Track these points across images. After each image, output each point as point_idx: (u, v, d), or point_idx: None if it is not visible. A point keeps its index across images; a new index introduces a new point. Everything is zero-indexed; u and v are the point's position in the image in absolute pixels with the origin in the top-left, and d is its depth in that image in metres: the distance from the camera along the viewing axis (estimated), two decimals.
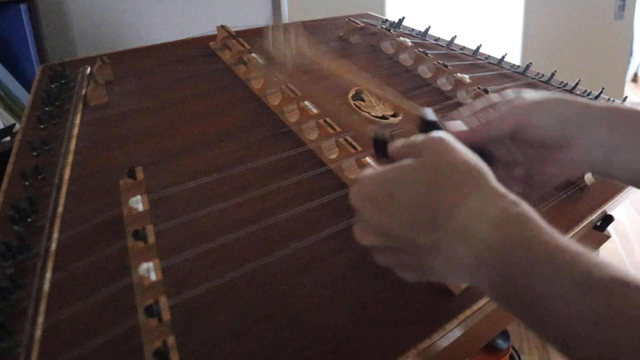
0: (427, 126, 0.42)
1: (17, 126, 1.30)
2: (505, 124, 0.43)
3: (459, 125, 0.44)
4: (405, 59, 0.86)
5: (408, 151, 0.38)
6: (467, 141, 0.41)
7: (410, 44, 0.86)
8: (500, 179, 0.39)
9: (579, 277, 0.30)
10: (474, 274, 0.34)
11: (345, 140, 0.58)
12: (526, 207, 0.34)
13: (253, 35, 0.81)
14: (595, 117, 0.43)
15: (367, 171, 0.38)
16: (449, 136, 0.37)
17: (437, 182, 0.35)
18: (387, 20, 1.01)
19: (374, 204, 0.36)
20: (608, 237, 0.65)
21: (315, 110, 0.62)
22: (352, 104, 0.71)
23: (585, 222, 0.61)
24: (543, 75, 0.96)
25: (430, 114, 0.43)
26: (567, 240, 0.32)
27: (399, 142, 0.40)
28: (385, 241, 0.37)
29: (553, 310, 0.30)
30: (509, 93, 0.46)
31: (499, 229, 0.32)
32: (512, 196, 0.34)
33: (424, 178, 0.35)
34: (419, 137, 0.38)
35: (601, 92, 0.95)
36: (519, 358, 1.12)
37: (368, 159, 0.56)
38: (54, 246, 0.44)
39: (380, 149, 0.42)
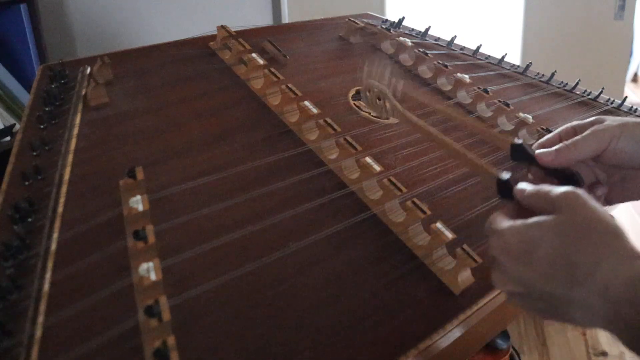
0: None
1: (17, 126, 1.29)
2: (588, 148, 0.46)
3: (547, 151, 0.48)
4: (405, 59, 0.86)
5: (542, 203, 0.40)
6: (554, 164, 0.46)
7: (410, 44, 0.86)
8: None
9: None
10: (612, 325, 0.36)
11: (345, 140, 0.58)
12: None
13: (253, 35, 0.81)
14: None
15: (502, 222, 0.41)
16: (584, 192, 0.39)
17: (576, 240, 0.37)
18: (387, 20, 1.01)
19: (514, 257, 0.39)
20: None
21: (315, 110, 0.62)
22: (352, 104, 0.71)
23: None
24: (543, 75, 0.96)
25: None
26: None
27: (529, 190, 0.42)
28: (522, 290, 0.39)
29: None
30: (591, 118, 0.49)
31: (638, 288, 0.34)
32: None
33: (562, 236, 0.37)
34: (554, 191, 0.40)
35: (601, 92, 0.95)
36: (519, 358, 1.11)
37: (368, 160, 0.56)
38: (54, 246, 0.44)
39: (504, 191, 0.45)
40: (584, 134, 0.47)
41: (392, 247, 0.52)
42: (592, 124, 0.48)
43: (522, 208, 0.42)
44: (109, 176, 0.52)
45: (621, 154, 0.46)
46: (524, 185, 0.43)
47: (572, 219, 0.38)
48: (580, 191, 0.39)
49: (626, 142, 0.46)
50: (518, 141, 0.49)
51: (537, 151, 0.48)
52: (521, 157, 0.50)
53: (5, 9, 1.35)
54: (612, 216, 0.38)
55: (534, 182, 0.49)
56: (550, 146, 0.49)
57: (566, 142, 0.47)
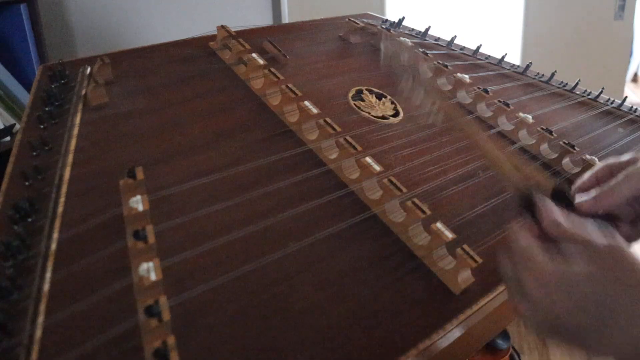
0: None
1: (17, 126, 1.30)
2: (626, 191, 0.46)
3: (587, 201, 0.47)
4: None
5: (581, 248, 0.39)
6: (592, 210, 0.46)
7: (410, 44, 0.86)
8: (625, 234, 0.47)
9: None
10: None
11: (345, 140, 0.58)
12: None
13: (253, 35, 0.81)
14: None
15: (541, 254, 0.39)
16: (626, 246, 0.39)
17: (619, 298, 0.37)
18: (387, 20, 1.01)
19: (549, 293, 0.38)
20: None
21: (315, 110, 0.62)
22: (352, 104, 0.71)
23: None
24: (543, 75, 0.96)
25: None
26: None
27: (566, 228, 0.41)
28: (544, 325, 0.39)
29: None
30: (627, 157, 0.49)
31: None
32: None
33: (607, 291, 0.37)
34: (599, 243, 0.39)
35: (601, 92, 0.95)
36: (519, 358, 1.12)
37: (368, 159, 0.56)
38: (54, 246, 0.44)
39: (527, 207, 0.43)
40: (619, 177, 0.47)
41: (392, 247, 0.52)
42: (627, 163, 0.48)
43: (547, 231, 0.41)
44: (109, 176, 0.52)
45: None
46: (558, 218, 0.41)
47: (615, 277, 0.37)
48: (625, 245, 0.39)
49: None
50: (561, 187, 0.47)
51: (577, 200, 0.47)
52: (561, 201, 0.47)
53: (5, 9, 1.35)
54: None
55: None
56: (588, 189, 0.48)
57: (603, 188, 0.47)
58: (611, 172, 0.49)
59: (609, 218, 0.48)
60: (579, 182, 0.51)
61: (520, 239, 0.41)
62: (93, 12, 1.69)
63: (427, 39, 0.97)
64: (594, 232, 0.40)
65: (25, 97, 1.37)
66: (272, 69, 0.69)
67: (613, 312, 0.36)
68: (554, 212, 0.42)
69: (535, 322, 0.40)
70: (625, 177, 0.46)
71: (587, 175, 0.50)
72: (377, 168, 0.55)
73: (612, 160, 0.50)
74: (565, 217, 0.41)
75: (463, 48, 0.98)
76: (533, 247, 0.40)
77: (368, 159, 0.56)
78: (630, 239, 0.48)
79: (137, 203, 0.44)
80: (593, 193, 0.47)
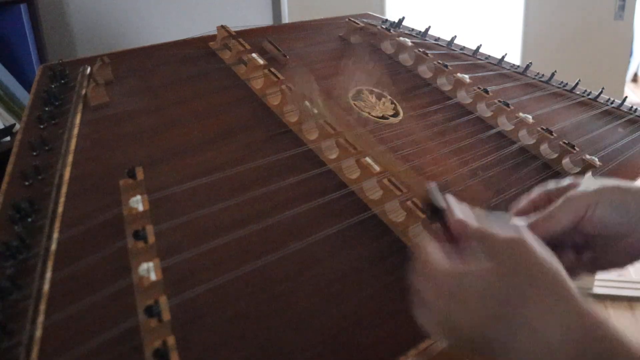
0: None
1: (17, 126, 1.30)
2: (564, 220, 0.43)
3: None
4: (405, 59, 0.86)
5: (482, 244, 0.37)
6: None
7: (410, 44, 0.86)
8: (568, 263, 0.42)
9: None
10: None
11: (346, 140, 0.58)
12: (610, 327, 0.33)
13: (253, 35, 0.81)
14: None
15: (441, 263, 0.37)
16: (530, 237, 0.36)
17: (518, 293, 0.34)
18: (387, 20, 1.01)
19: (447, 302, 0.36)
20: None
21: (315, 111, 0.62)
22: (352, 104, 0.71)
23: None
24: (543, 75, 0.96)
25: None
26: None
27: (469, 227, 0.38)
28: (450, 333, 0.37)
29: None
30: (565, 182, 0.46)
31: (581, 348, 0.33)
32: (597, 315, 0.34)
33: (504, 288, 0.34)
34: (499, 236, 0.36)
35: (601, 92, 0.95)
36: None
37: (368, 159, 0.56)
38: (54, 246, 0.44)
39: (435, 213, 0.40)
40: (558, 203, 0.43)
41: (392, 247, 0.52)
42: (566, 189, 0.44)
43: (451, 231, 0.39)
44: (109, 176, 0.52)
45: (599, 223, 0.42)
46: (463, 221, 0.39)
47: (515, 270, 0.35)
48: (527, 236, 0.36)
49: (604, 209, 0.42)
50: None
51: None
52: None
53: (5, 9, 1.35)
54: (557, 265, 0.36)
55: None
56: (524, 214, 0.45)
57: (540, 216, 0.43)
58: (549, 198, 0.45)
59: (550, 245, 0.42)
60: (515, 206, 0.47)
61: (422, 246, 0.38)
62: (93, 12, 1.68)
63: (427, 39, 0.97)
64: (498, 227, 0.37)
65: (25, 97, 1.37)
66: (272, 69, 0.69)
67: (514, 310, 0.34)
68: (459, 211, 0.39)
69: (441, 332, 0.37)
70: (563, 203, 0.43)
71: (524, 201, 0.47)
72: (377, 168, 0.55)
73: (550, 185, 0.46)
74: (472, 214, 0.39)
75: (463, 48, 0.98)
76: (433, 253, 0.37)
77: (368, 159, 0.56)
78: (576, 270, 0.44)
79: (137, 203, 0.44)
80: (531, 219, 0.43)
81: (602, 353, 0.32)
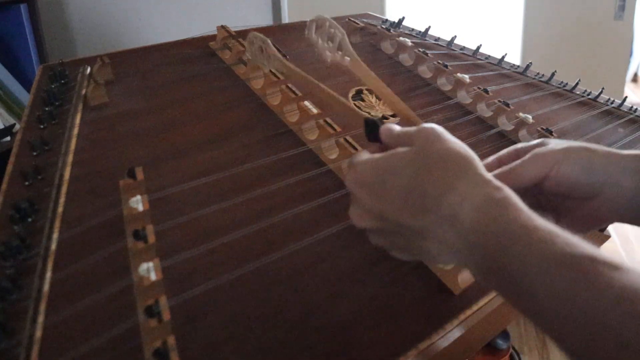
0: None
1: (17, 126, 1.30)
2: (527, 174, 0.42)
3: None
4: (405, 59, 0.86)
5: (402, 140, 0.40)
6: None
7: (410, 44, 0.86)
8: None
9: (551, 254, 0.31)
10: (462, 256, 0.36)
11: (345, 140, 0.58)
12: (509, 192, 0.35)
13: None
14: (621, 165, 0.42)
15: (361, 157, 0.40)
16: (440, 127, 0.38)
17: (427, 168, 0.36)
18: (387, 20, 1.01)
19: (368, 189, 0.38)
20: (608, 237, 0.65)
21: (315, 110, 0.62)
22: (352, 104, 0.71)
23: None
24: (543, 75, 0.96)
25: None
26: (545, 222, 0.33)
27: (393, 130, 0.41)
28: (379, 224, 0.39)
29: (529, 286, 0.31)
30: (534, 141, 0.46)
31: (483, 213, 0.34)
32: (497, 182, 0.36)
33: (415, 165, 0.37)
34: (413, 128, 0.39)
35: (601, 92, 0.95)
36: (519, 358, 1.12)
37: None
38: (54, 246, 0.44)
39: (372, 133, 0.43)
40: (524, 158, 0.43)
41: None
42: (534, 147, 0.44)
43: (387, 149, 0.41)
44: (109, 176, 0.52)
45: (564, 181, 0.42)
46: (391, 126, 0.42)
47: (426, 149, 0.37)
48: (437, 126, 0.38)
49: (569, 167, 0.41)
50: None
51: None
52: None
53: (5, 9, 1.35)
54: (467, 148, 0.37)
55: None
56: (489, 171, 0.43)
57: (504, 168, 0.43)
58: (517, 155, 0.45)
59: None
60: (482, 162, 0.46)
61: (353, 155, 0.41)
62: (93, 12, 1.69)
63: (427, 39, 0.97)
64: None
65: (25, 97, 1.37)
66: (272, 69, 0.69)
67: (429, 185, 0.36)
68: (390, 125, 0.42)
69: (368, 228, 0.39)
70: (530, 158, 0.43)
71: (492, 157, 0.47)
72: None
73: (520, 144, 0.46)
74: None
75: (463, 48, 0.98)
76: (360, 154, 0.40)
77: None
78: None
79: (137, 203, 0.44)
80: (493, 173, 0.43)
81: (498, 216, 0.33)
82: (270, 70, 0.68)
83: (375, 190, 0.38)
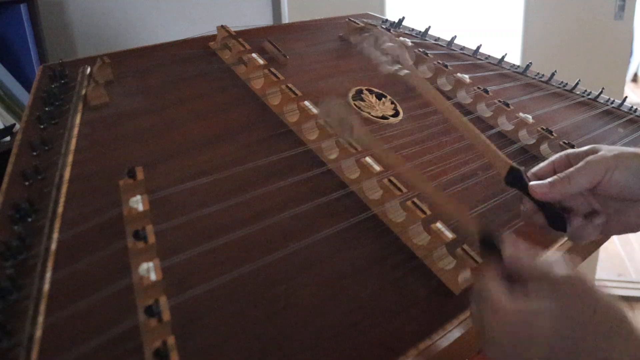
0: (513, 178, 0.46)
1: (17, 126, 1.30)
2: (582, 181, 0.45)
3: (540, 184, 0.46)
4: None
5: (542, 281, 0.38)
6: (547, 198, 0.45)
7: (410, 44, 0.86)
8: (580, 228, 0.46)
9: None
10: None
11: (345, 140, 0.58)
12: None
13: (253, 35, 0.81)
14: None
15: (503, 298, 0.38)
16: (588, 278, 0.37)
17: (581, 330, 0.35)
18: (387, 20, 1.01)
19: (514, 338, 0.37)
20: (608, 237, 0.65)
21: (315, 110, 0.62)
22: (352, 104, 0.71)
23: None
24: (543, 75, 0.96)
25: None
26: None
27: (525, 259, 0.39)
28: None
29: None
30: (585, 148, 0.48)
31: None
32: None
33: (568, 325, 0.36)
34: (556, 271, 0.38)
35: (601, 92, 0.95)
36: None
37: (368, 160, 0.56)
38: (54, 246, 0.44)
39: (489, 248, 0.42)
40: (578, 166, 0.45)
41: (392, 247, 0.52)
42: (586, 154, 0.47)
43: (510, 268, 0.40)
44: (109, 176, 0.52)
45: (616, 186, 0.45)
46: (519, 252, 0.40)
47: (578, 308, 0.36)
48: (585, 277, 0.37)
49: (621, 174, 0.45)
50: (518, 167, 0.48)
51: (531, 183, 0.47)
52: (516, 183, 0.48)
53: (5, 9, 1.35)
54: (618, 303, 0.37)
55: (527, 214, 0.48)
56: (544, 177, 0.47)
57: (560, 175, 0.46)
58: (569, 161, 0.48)
59: (562, 210, 0.46)
60: (535, 168, 0.50)
61: (484, 281, 0.39)
62: (93, 12, 1.68)
63: (427, 39, 0.97)
64: (554, 264, 0.38)
65: (25, 97, 1.36)
66: (272, 69, 0.69)
67: (577, 347, 0.35)
68: (515, 247, 0.40)
69: None
70: (583, 166, 0.45)
71: (544, 163, 0.49)
72: (377, 168, 0.55)
73: (571, 150, 0.49)
74: (528, 251, 0.40)
75: (463, 48, 0.98)
76: (496, 288, 0.38)
77: (368, 159, 0.56)
78: (583, 235, 0.47)
79: (137, 203, 0.44)
80: (550, 180, 0.46)
81: None
82: (270, 70, 0.68)
83: (521, 342, 0.36)
